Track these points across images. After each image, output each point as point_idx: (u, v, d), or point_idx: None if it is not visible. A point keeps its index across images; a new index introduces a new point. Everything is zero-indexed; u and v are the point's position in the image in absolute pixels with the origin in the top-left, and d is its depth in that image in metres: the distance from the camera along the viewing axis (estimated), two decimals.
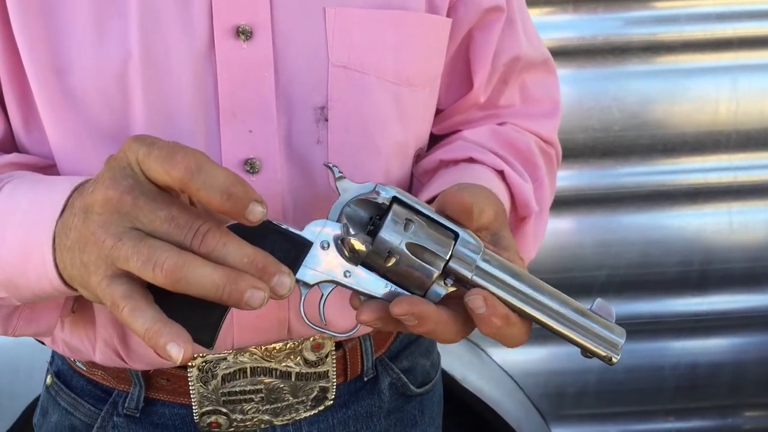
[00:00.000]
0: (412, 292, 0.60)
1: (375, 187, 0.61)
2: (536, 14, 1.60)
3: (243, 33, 0.69)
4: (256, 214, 0.53)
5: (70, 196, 0.60)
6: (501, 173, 0.81)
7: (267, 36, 0.70)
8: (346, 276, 0.60)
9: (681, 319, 1.77)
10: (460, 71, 0.87)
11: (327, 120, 0.72)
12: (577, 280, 1.73)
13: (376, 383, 0.88)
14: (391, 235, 0.59)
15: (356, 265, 0.60)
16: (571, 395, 1.78)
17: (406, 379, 0.90)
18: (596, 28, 1.62)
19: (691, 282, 1.75)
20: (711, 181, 1.70)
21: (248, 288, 0.52)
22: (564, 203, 1.66)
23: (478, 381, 1.69)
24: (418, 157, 0.84)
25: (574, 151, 1.64)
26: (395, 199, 0.60)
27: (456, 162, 0.82)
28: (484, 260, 0.60)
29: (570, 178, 1.66)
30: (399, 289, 0.60)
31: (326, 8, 0.71)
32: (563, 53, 1.60)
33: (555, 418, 1.79)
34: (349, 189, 0.62)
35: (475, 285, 0.60)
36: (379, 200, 0.61)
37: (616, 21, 1.62)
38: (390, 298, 0.60)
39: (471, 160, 0.82)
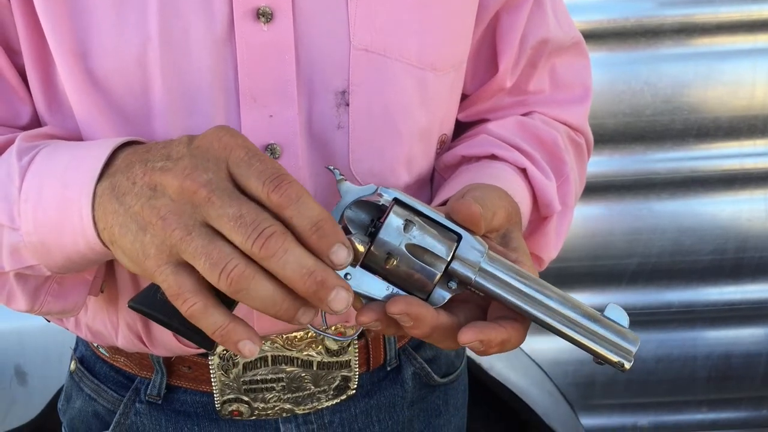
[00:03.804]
0: (414, 296, 0.59)
1: (377, 190, 0.60)
2: None
3: (263, 15, 0.67)
4: (340, 256, 0.53)
5: (114, 153, 0.60)
6: (524, 171, 0.80)
7: (288, 18, 0.68)
8: (346, 278, 0.59)
9: (714, 309, 1.74)
10: (486, 55, 0.85)
11: (348, 105, 0.71)
12: (607, 268, 1.70)
13: (399, 373, 0.87)
14: (390, 236, 0.58)
15: (356, 267, 0.59)
16: (600, 385, 1.76)
17: (429, 369, 0.89)
18: (628, 9, 1.59)
19: (725, 270, 1.72)
20: (747, 166, 1.67)
21: (302, 306, 0.53)
22: (594, 190, 1.63)
23: (506, 370, 1.68)
24: (443, 143, 0.83)
25: (605, 137, 1.62)
26: (396, 201, 0.59)
27: (478, 158, 0.80)
28: (488, 262, 0.59)
29: (600, 164, 1.64)
30: (401, 292, 0.59)
31: None
32: (594, 36, 1.57)
33: (584, 408, 1.77)
34: (351, 191, 0.61)
35: (478, 287, 0.59)
36: (381, 202, 0.60)
37: (649, 2, 1.59)
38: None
39: (493, 157, 0.80)
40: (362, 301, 0.60)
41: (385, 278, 0.59)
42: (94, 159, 0.60)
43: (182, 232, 0.52)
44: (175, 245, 0.53)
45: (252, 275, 0.52)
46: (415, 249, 0.58)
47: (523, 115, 0.87)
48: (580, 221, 1.65)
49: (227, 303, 0.56)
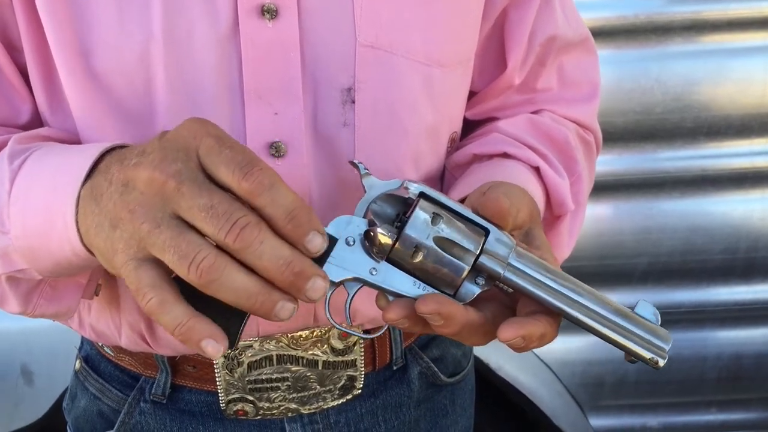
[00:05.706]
0: (442, 291, 0.58)
1: (403, 183, 0.59)
2: None
3: (268, 12, 0.67)
4: (315, 244, 0.52)
5: (101, 158, 0.58)
6: (536, 170, 0.79)
7: (293, 15, 0.68)
8: (372, 273, 0.58)
9: (725, 309, 1.73)
10: (494, 52, 0.84)
11: (354, 102, 0.70)
12: (616, 267, 1.69)
13: (406, 372, 0.86)
14: (417, 229, 0.57)
15: (382, 261, 0.58)
16: (609, 385, 1.75)
17: (436, 369, 0.88)
18: (637, 6, 1.57)
19: (736, 270, 1.71)
20: (757, 165, 1.65)
21: (280, 300, 0.51)
22: (603, 188, 1.62)
23: (514, 370, 1.67)
24: (453, 141, 0.82)
25: (614, 135, 1.61)
26: (423, 194, 0.58)
27: (490, 156, 0.80)
28: (517, 257, 0.58)
29: (609, 162, 1.62)
30: (428, 288, 0.58)
31: None
32: (603, 33, 1.56)
33: (593, 409, 1.76)
34: (375, 185, 0.59)
35: (508, 282, 0.58)
36: (407, 196, 0.59)
37: None
38: (418, 297, 0.57)
39: (505, 155, 0.79)
40: (388, 298, 0.59)
41: (412, 273, 0.58)
42: (80, 164, 0.59)
43: (150, 225, 0.51)
44: (143, 239, 0.51)
45: (223, 266, 0.50)
46: (443, 242, 0.57)
47: (533, 113, 0.86)
48: (589, 220, 1.63)
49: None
